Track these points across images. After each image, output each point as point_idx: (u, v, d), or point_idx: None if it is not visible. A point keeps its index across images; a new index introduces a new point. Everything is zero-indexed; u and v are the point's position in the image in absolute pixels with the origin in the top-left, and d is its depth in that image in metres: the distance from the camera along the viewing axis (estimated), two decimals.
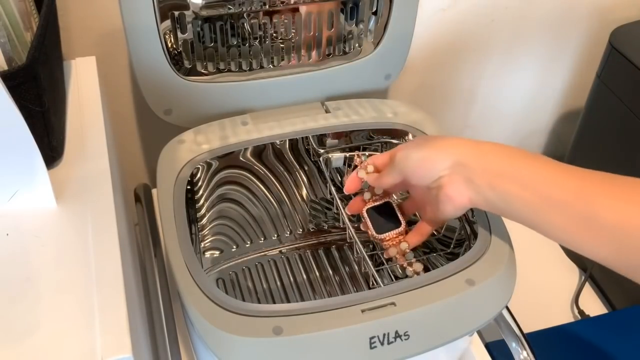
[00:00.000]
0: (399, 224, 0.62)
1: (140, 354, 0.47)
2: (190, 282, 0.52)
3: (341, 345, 0.50)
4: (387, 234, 0.61)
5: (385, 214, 0.63)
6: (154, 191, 0.77)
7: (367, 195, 0.64)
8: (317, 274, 0.78)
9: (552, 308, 0.92)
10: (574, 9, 0.97)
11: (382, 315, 0.50)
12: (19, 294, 0.44)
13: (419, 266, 0.61)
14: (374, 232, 0.62)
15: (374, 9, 0.74)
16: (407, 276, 0.60)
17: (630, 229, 0.43)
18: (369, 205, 0.63)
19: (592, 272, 0.93)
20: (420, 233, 0.61)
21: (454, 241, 0.66)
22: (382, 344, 0.50)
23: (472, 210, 0.61)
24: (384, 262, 0.64)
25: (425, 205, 0.60)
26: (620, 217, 0.43)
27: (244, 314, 0.50)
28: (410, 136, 0.72)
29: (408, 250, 0.61)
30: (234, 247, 0.78)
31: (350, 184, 0.62)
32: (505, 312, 0.62)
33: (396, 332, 0.50)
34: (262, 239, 0.79)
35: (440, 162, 0.53)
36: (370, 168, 0.61)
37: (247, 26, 0.70)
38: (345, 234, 0.79)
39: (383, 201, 0.64)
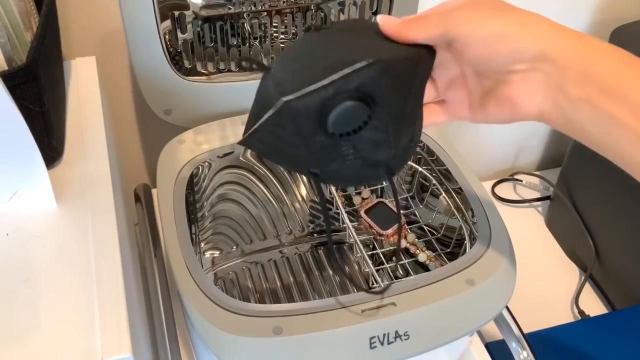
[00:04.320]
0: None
1: (140, 354, 0.47)
2: (190, 282, 0.52)
3: (341, 345, 0.50)
4: (391, 229, 0.65)
5: (382, 212, 0.67)
6: (154, 191, 0.77)
7: (357, 200, 0.69)
8: (317, 274, 0.77)
9: (552, 308, 0.92)
10: (574, 9, 0.97)
11: (382, 315, 0.50)
12: (19, 294, 0.44)
13: (430, 252, 0.66)
14: (379, 230, 0.64)
15: (374, 9, 0.74)
16: (408, 274, 0.60)
17: None
18: (364, 208, 0.68)
19: (592, 272, 0.93)
20: (430, 116, 0.44)
21: (454, 241, 0.66)
22: (382, 344, 0.50)
23: (472, 210, 0.61)
24: (384, 262, 0.65)
25: (458, 88, 0.43)
26: None
27: (244, 314, 0.50)
28: None
29: (417, 240, 0.66)
30: (234, 247, 0.78)
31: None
32: (505, 312, 0.62)
33: (396, 332, 0.50)
34: (262, 239, 0.79)
35: (519, 46, 0.36)
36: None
37: (247, 26, 0.70)
38: (345, 234, 0.79)
39: (376, 201, 0.69)
